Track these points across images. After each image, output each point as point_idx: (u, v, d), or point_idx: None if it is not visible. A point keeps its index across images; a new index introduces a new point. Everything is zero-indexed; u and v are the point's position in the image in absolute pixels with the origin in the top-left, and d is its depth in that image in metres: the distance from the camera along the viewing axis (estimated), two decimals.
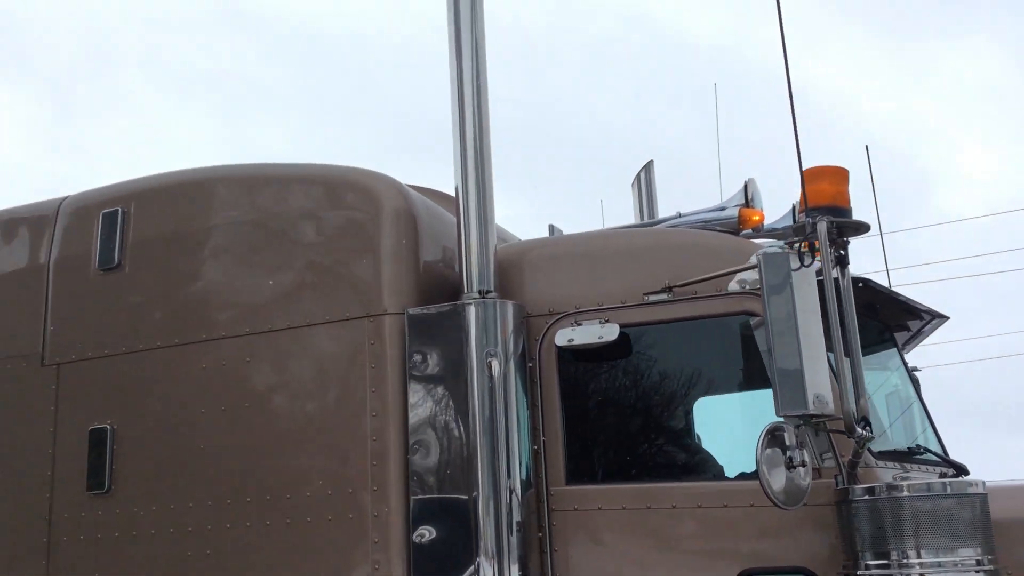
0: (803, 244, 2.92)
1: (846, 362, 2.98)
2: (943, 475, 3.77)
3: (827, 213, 3.01)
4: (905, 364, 4.32)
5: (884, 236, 4.54)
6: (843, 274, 3.16)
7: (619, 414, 3.81)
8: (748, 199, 4.10)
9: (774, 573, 3.23)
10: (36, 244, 4.51)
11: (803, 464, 2.84)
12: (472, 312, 3.63)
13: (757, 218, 4.02)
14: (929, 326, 4.47)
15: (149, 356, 4.12)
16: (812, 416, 2.82)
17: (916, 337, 4.58)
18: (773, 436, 2.83)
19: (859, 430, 2.92)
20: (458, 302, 3.67)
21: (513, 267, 3.94)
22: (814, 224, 2.97)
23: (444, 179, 4.06)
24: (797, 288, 2.88)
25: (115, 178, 4.55)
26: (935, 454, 3.82)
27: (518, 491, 3.54)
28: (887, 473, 3.38)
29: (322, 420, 3.76)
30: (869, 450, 3.42)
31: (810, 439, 3.04)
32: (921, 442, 4.06)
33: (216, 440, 3.92)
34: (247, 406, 3.90)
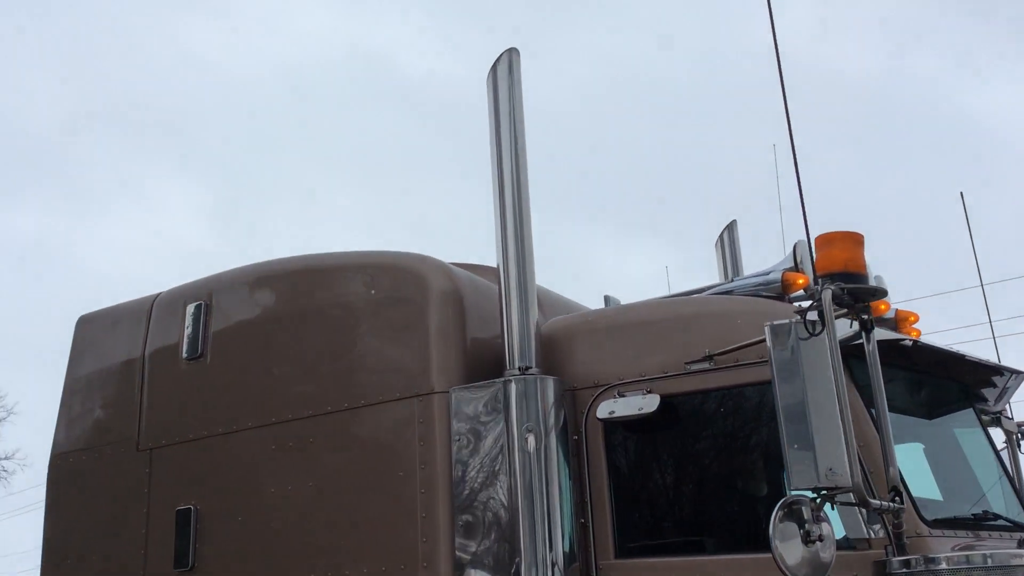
0: (813, 312, 2.87)
1: (864, 433, 2.89)
2: (1022, 542, 3.57)
3: (839, 279, 2.95)
4: (983, 426, 4.11)
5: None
6: (868, 339, 3.08)
7: (666, 486, 3.78)
8: (797, 262, 4.03)
9: None
10: (134, 337, 4.89)
11: (820, 539, 2.76)
12: (512, 389, 3.71)
13: (802, 281, 3.93)
14: (1012, 382, 4.25)
15: (226, 440, 4.38)
16: (825, 489, 2.75)
17: (1003, 396, 4.35)
18: (789, 510, 2.77)
19: (879, 502, 2.81)
20: (499, 379, 3.76)
21: (560, 341, 4.01)
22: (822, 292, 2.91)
23: None
24: (805, 357, 2.83)
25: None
26: (1006, 519, 3.60)
27: (561, 564, 3.56)
28: (946, 543, 3.22)
29: (378, 497, 3.90)
30: (923, 519, 3.28)
31: (839, 511, 2.95)
32: (1001, 506, 3.84)
33: (285, 518, 4.12)
34: (310, 485, 4.10)
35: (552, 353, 3.96)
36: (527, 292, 3.90)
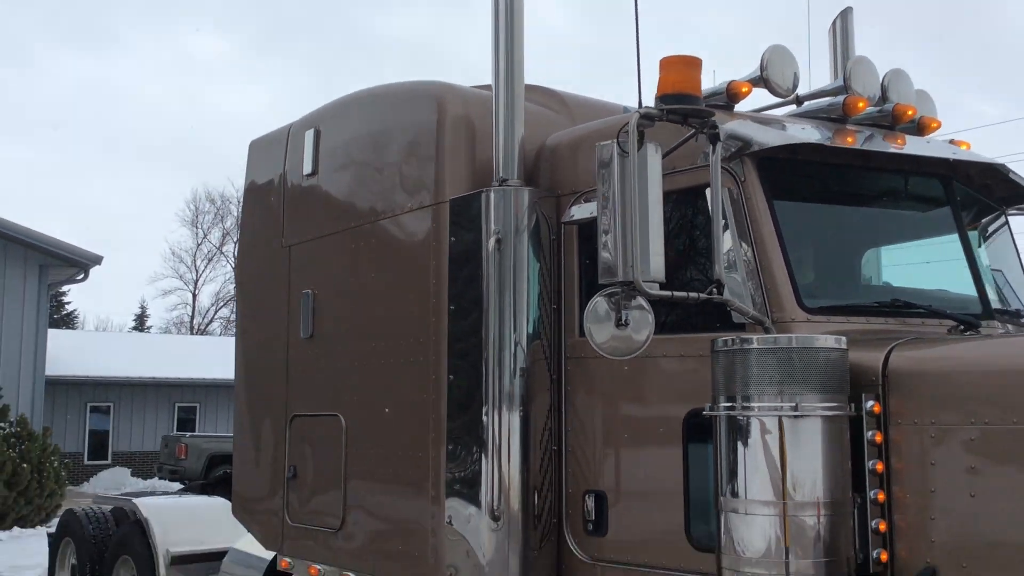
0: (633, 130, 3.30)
1: (643, 229, 3.32)
2: (955, 329, 3.83)
3: (675, 101, 3.32)
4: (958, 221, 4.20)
5: None
6: (713, 151, 3.45)
7: None
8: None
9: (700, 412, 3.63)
10: (278, 158, 6.14)
11: (627, 323, 3.34)
12: (490, 198, 4.45)
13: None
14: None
15: (330, 240, 5.56)
16: (625, 283, 3.30)
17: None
18: (605, 298, 3.37)
19: (646, 289, 3.28)
20: (480, 190, 4.51)
21: (554, 151, 4.64)
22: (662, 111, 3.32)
23: None
24: (626, 171, 3.32)
25: None
26: (920, 307, 3.86)
27: (524, 343, 4.38)
28: (817, 328, 3.63)
29: (408, 286, 4.90)
30: (803, 306, 3.70)
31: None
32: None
33: (362, 300, 5.28)
34: (373, 276, 5.18)
35: (551, 162, 4.61)
36: (513, 109, 4.51)
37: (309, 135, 5.80)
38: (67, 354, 29.43)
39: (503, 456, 4.29)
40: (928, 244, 4.41)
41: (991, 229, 4.82)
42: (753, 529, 3.23)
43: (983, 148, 4.50)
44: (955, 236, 4.19)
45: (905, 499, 3.27)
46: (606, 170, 3.37)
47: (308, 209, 5.79)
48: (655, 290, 3.32)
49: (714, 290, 3.46)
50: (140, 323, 60.25)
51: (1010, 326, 4.14)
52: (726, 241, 3.82)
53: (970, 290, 4.12)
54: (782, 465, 3.21)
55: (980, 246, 4.72)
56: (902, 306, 3.88)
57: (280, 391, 5.84)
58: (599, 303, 3.37)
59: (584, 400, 4.35)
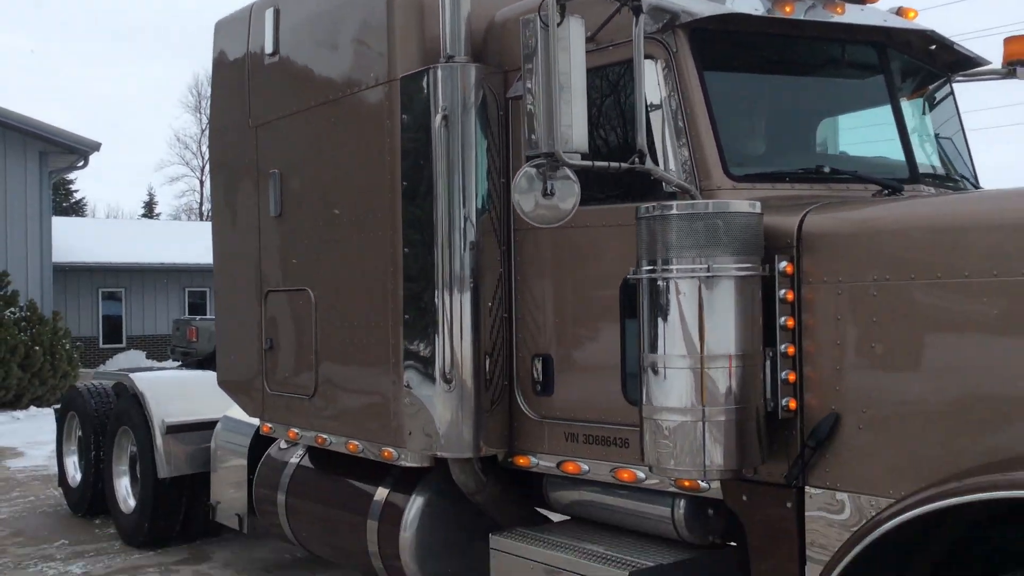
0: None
1: (565, 101, 3.45)
2: (879, 194, 4.00)
3: None
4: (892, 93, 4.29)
5: None
6: (637, 22, 3.55)
7: None
8: None
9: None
10: (241, 37, 6.19)
11: (552, 193, 3.51)
12: (438, 75, 4.55)
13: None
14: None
15: (291, 119, 5.68)
16: (547, 154, 3.45)
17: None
18: (532, 168, 3.53)
19: (567, 159, 3.43)
20: (428, 67, 4.60)
21: (503, 27, 4.71)
22: None
23: None
24: (544, 45, 3.43)
25: None
26: (846, 172, 4.01)
27: (472, 217, 4.55)
28: (742, 194, 3.80)
29: (366, 163, 5.05)
30: (729, 174, 3.86)
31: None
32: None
33: (325, 176, 5.43)
34: (333, 154, 5.33)
35: (503, 38, 4.69)
36: None
37: (269, 14, 5.84)
38: (77, 241, 29.80)
39: (455, 324, 4.52)
40: (864, 113, 4.51)
41: (937, 97, 4.91)
42: (671, 382, 3.47)
43: (947, 21, 4.57)
44: (889, 104, 4.29)
45: (814, 352, 3.49)
46: (530, 44, 3.48)
47: (271, 89, 5.89)
48: (576, 160, 3.48)
49: (636, 159, 3.61)
50: (149, 210, 60.60)
51: (935, 189, 4.28)
52: (659, 112, 3.95)
53: (901, 156, 4.24)
54: (698, 323, 3.42)
55: (926, 113, 4.83)
56: (828, 173, 4.03)
57: (254, 268, 6.07)
58: (525, 173, 3.53)
59: (531, 270, 4.56)
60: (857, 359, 3.37)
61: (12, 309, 18.40)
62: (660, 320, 3.49)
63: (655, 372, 3.50)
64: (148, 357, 30.08)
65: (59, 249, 24.35)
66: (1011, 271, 2.98)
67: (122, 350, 30.22)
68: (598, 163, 3.55)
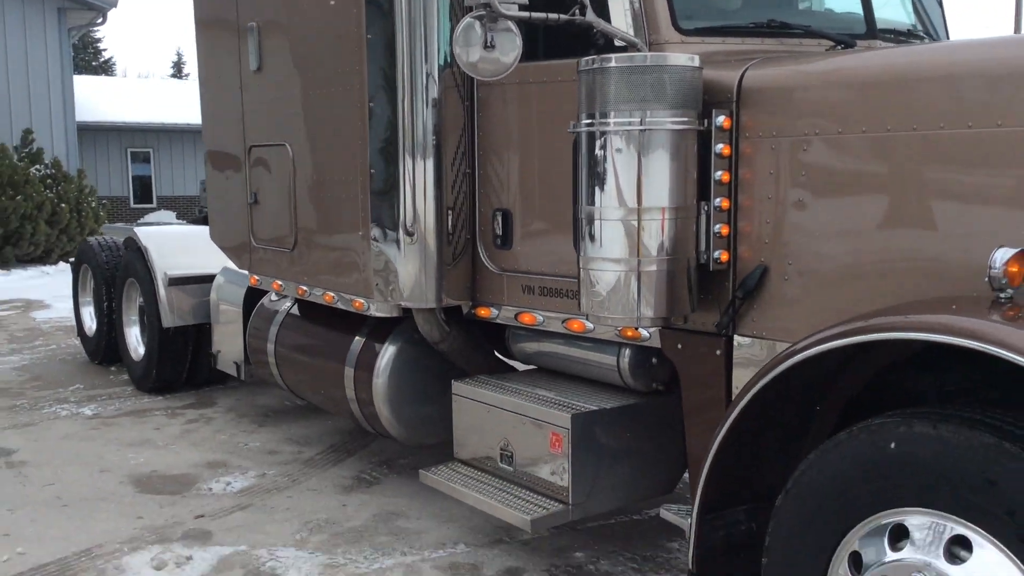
0: None
1: None
2: (832, 48, 3.97)
3: None
4: None
5: None
6: None
7: None
8: None
9: None
10: None
11: (493, 45, 3.53)
12: None
13: None
14: None
15: None
16: (484, 4, 3.45)
17: None
18: (473, 20, 3.54)
19: (503, 10, 3.42)
20: None
21: None
22: None
23: None
24: None
25: None
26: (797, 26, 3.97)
27: (435, 73, 4.58)
28: (690, 48, 3.79)
29: (335, 15, 5.05)
30: (678, 27, 3.85)
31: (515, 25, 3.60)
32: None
33: (298, 30, 5.45)
34: (307, 5, 5.33)
35: None
36: None
37: None
38: (105, 101, 29.86)
39: (417, 179, 4.62)
40: None
41: None
42: (607, 233, 3.56)
43: None
44: None
45: (748, 207, 3.55)
46: None
47: None
48: (513, 11, 3.48)
49: (576, 11, 3.60)
50: (178, 71, 60.18)
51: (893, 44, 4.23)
52: None
53: (860, 10, 4.18)
54: (633, 176, 3.49)
55: None
56: (780, 27, 3.98)
57: (238, 124, 6.16)
58: (465, 25, 3.55)
59: (492, 125, 4.61)
60: (784, 213, 3.44)
61: (37, 167, 18.71)
62: (597, 173, 3.56)
63: (591, 224, 3.60)
64: (178, 217, 30.53)
65: (87, 109, 24.49)
66: (930, 125, 3.00)
67: (152, 210, 30.66)
68: (535, 15, 3.55)
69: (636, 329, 4.02)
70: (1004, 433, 2.41)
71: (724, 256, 3.61)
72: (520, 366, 5.21)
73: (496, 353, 5.29)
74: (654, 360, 4.22)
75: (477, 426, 4.67)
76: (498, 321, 4.76)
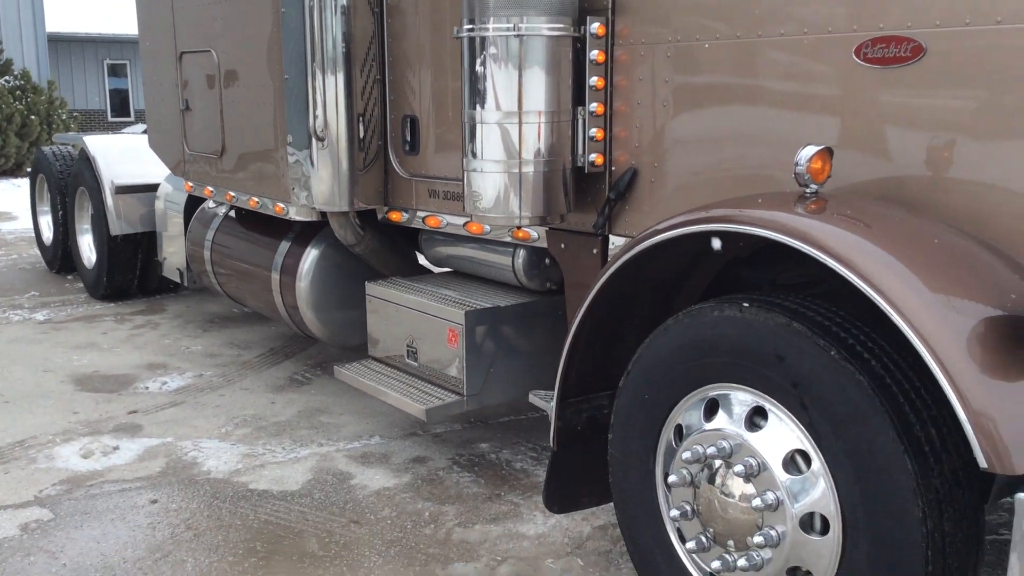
0: None
1: None
2: None
3: None
4: None
5: None
6: None
7: None
8: None
9: None
10: None
11: None
12: None
13: None
14: None
15: None
16: None
17: None
18: None
19: None
20: None
21: None
22: None
23: None
24: None
25: None
26: None
27: None
28: None
29: None
30: None
31: None
32: None
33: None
34: None
35: None
36: None
37: None
38: (80, 12, 29.38)
39: (328, 85, 4.74)
40: None
41: None
42: (487, 136, 3.72)
43: None
44: None
45: (622, 112, 3.71)
46: None
47: None
48: None
49: None
50: None
51: None
52: None
53: None
54: (510, 81, 3.63)
55: None
56: None
57: (170, 30, 6.23)
58: None
59: (399, 32, 4.72)
60: (653, 119, 3.60)
61: (6, 78, 18.59)
62: (478, 78, 3.70)
63: (473, 128, 3.76)
64: None
65: (61, 20, 24.13)
66: (774, 33, 3.14)
67: (130, 123, 30.43)
68: None
69: (523, 229, 4.21)
70: (795, 314, 2.63)
71: (599, 160, 3.78)
72: (438, 270, 5.42)
73: (421, 257, 5.50)
74: (547, 261, 4.43)
75: (387, 325, 4.89)
76: (408, 225, 4.94)
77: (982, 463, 2.20)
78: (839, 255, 2.45)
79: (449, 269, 5.21)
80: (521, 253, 4.46)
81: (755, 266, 3.47)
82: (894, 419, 2.40)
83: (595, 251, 3.89)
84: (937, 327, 2.29)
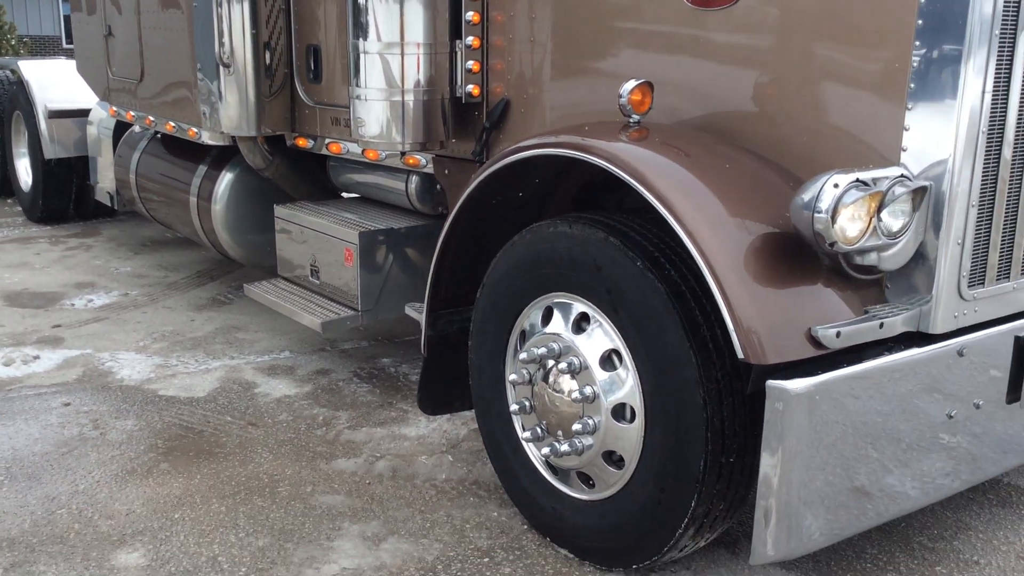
0: None
1: None
2: None
3: None
4: None
5: None
6: None
7: None
8: None
9: None
10: None
11: None
12: None
13: None
14: None
15: None
16: None
17: None
18: None
19: None
20: None
21: None
22: None
23: None
24: None
25: None
26: None
27: None
28: None
29: None
30: None
31: None
32: None
33: None
34: None
35: None
36: None
37: None
38: None
39: (233, 13, 4.94)
40: None
41: None
42: (371, 65, 3.98)
43: None
44: None
45: (497, 46, 3.98)
46: None
47: None
48: None
49: None
50: None
51: None
52: None
53: None
54: (393, 13, 3.88)
55: None
56: None
57: None
58: None
59: None
60: (521, 52, 3.88)
61: None
62: (360, 8, 3.95)
63: (357, 57, 4.01)
64: None
65: None
66: None
67: None
68: None
69: (413, 156, 4.49)
70: (612, 229, 2.96)
71: (475, 91, 4.05)
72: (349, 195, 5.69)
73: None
74: (438, 187, 4.72)
75: (293, 245, 5.18)
76: (313, 151, 5.20)
77: (740, 354, 2.56)
78: (638, 174, 2.78)
79: (357, 195, 5.49)
80: (414, 179, 4.75)
81: (613, 190, 3.79)
82: (684, 321, 2.75)
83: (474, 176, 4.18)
84: (712, 237, 2.63)
